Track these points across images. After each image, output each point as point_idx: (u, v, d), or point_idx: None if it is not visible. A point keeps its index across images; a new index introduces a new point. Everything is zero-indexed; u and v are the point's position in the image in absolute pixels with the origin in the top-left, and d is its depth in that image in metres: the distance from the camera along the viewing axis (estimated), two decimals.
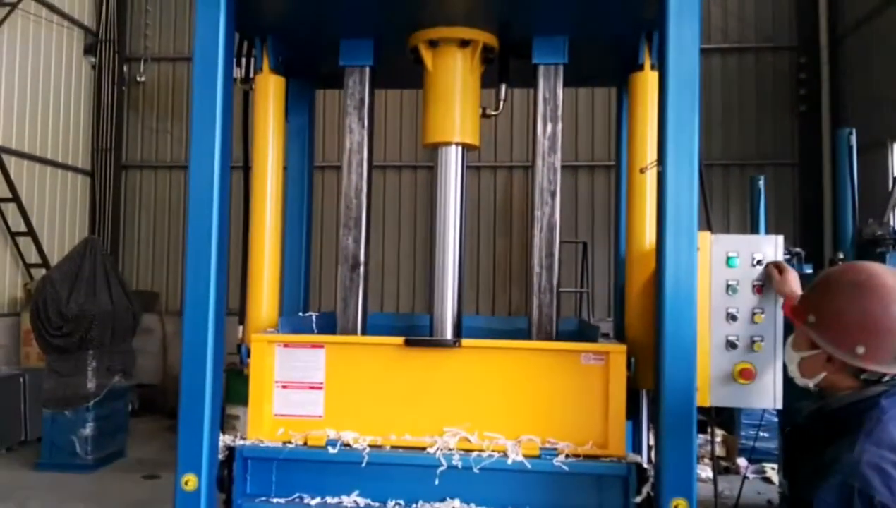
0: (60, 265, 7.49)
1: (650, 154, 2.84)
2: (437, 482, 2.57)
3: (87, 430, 7.31)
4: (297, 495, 2.69)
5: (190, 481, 2.57)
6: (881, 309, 1.75)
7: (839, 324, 1.79)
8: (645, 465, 2.51)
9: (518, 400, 2.65)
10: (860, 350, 1.75)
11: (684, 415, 2.39)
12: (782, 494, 6.40)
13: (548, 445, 2.58)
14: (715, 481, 3.20)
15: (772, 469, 7.21)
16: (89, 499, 6.40)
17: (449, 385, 2.69)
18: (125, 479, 7.11)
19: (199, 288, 2.61)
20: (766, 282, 2.59)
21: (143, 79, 11.25)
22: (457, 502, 2.58)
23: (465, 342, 2.71)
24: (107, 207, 11.07)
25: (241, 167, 3.20)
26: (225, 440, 2.69)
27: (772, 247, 2.65)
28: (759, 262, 2.61)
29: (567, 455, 2.54)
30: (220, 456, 2.65)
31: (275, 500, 2.68)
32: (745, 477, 6.63)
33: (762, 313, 2.59)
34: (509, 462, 2.53)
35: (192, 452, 2.57)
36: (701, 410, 2.47)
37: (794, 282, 2.52)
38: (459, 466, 2.54)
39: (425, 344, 2.75)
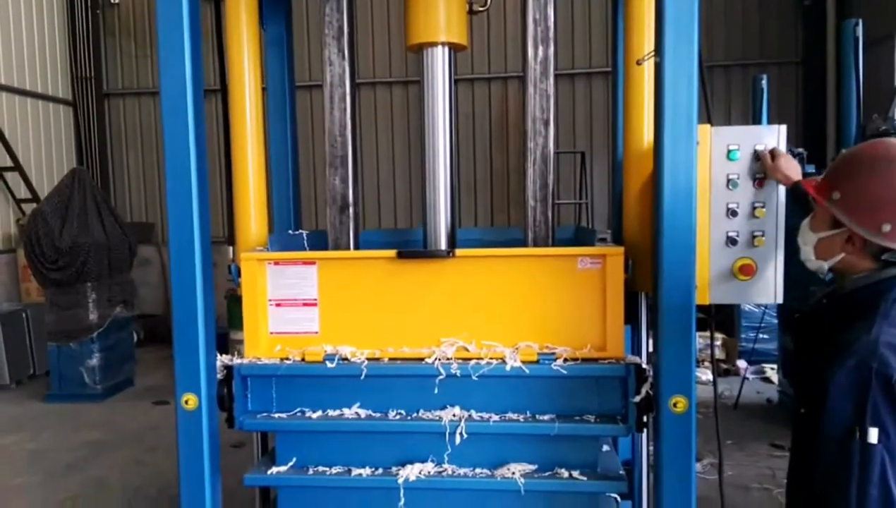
0: (50, 198, 7.39)
1: (647, 47, 2.71)
2: (436, 391, 2.57)
3: (94, 361, 7.39)
4: (298, 410, 2.70)
5: (190, 400, 2.56)
6: None
7: (865, 201, 1.73)
8: (644, 366, 2.50)
9: (515, 307, 2.62)
10: (886, 227, 1.69)
11: (683, 313, 2.35)
12: (781, 393, 6.52)
13: (546, 351, 2.56)
14: (715, 383, 3.20)
15: (771, 370, 7.31)
16: (102, 427, 6.51)
17: (444, 296, 2.65)
18: (135, 406, 7.22)
19: (181, 208, 2.51)
20: (760, 169, 2.51)
21: (116, 0, 10.85)
22: (457, 409, 2.58)
23: (458, 252, 2.65)
24: (92, 138, 10.87)
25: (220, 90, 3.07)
26: (223, 359, 2.68)
27: (774, 137, 2.55)
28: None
29: (565, 360, 2.53)
30: (219, 376, 2.64)
31: (276, 416, 2.69)
32: (744, 378, 6.76)
33: (763, 207, 2.52)
34: (507, 368, 2.51)
35: (190, 372, 2.55)
36: (700, 308, 2.43)
37: (789, 167, 2.44)
38: (458, 375, 2.53)
39: (418, 256, 2.70)
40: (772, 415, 6.23)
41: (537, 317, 2.60)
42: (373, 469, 2.64)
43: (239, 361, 2.67)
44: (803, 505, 1.74)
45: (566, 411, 2.58)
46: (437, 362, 2.55)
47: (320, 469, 2.68)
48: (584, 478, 2.54)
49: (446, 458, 2.61)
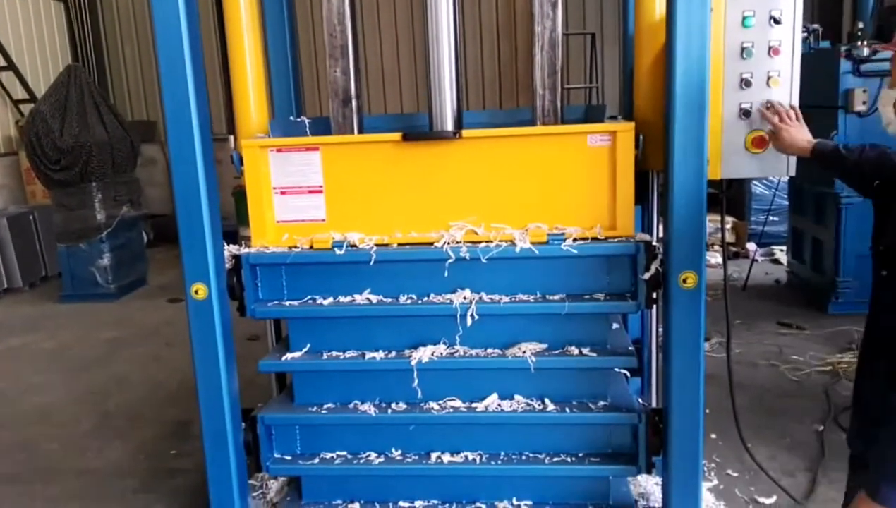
0: (47, 97, 7.23)
1: None
2: (446, 274, 2.57)
3: (105, 261, 7.44)
4: (308, 297, 2.72)
5: (199, 290, 2.58)
6: None
7: None
8: (654, 243, 2.48)
9: (524, 188, 2.58)
10: None
11: (694, 187, 2.31)
12: (790, 273, 6.54)
13: (555, 231, 2.54)
14: (724, 256, 3.19)
15: (780, 251, 7.32)
16: (118, 324, 6.63)
17: (452, 179, 2.61)
18: (150, 304, 7.33)
19: (177, 97, 2.44)
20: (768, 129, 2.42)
21: None
22: (467, 292, 2.59)
23: (465, 133, 2.59)
24: (86, 34, 10.56)
25: None
26: (230, 249, 2.67)
27: (790, 3, 2.42)
28: (775, 21, 2.40)
29: (575, 240, 2.51)
30: (228, 265, 2.65)
31: (287, 303, 2.71)
32: (753, 260, 6.76)
33: (778, 76, 2.42)
34: (517, 250, 2.50)
35: (197, 261, 2.56)
36: (711, 184, 2.38)
37: (797, 136, 2.33)
38: (467, 258, 2.53)
39: (424, 138, 2.63)
40: (780, 296, 6.28)
41: (547, 198, 2.57)
42: (385, 353, 2.69)
43: (247, 250, 2.67)
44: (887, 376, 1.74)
45: (576, 290, 2.59)
46: (446, 246, 2.54)
47: (334, 354, 2.73)
48: (594, 355, 2.57)
49: (458, 340, 2.65)
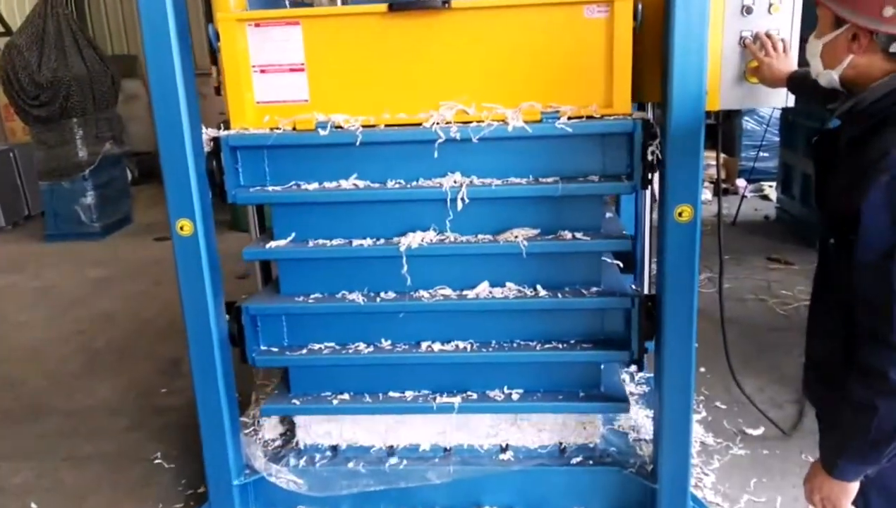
0: (23, 29, 6.98)
1: None
2: (435, 155, 2.47)
3: (89, 199, 7.32)
4: (292, 183, 2.61)
5: (185, 226, 2.51)
6: None
7: None
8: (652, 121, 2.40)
9: (517, 65, 2.46)
10: (888, 11, 1.45)
11: (692, 120, 2.25)
12: (779, 209, 6.54)
13: (549, 109, 2.43)
14: (718, 190, 3.16)
15: (769, 187, 7.30)
16: (104, 263, 6.56)
17: (441, 54, 2.47)
18: (136, 242, 7.26)
19: (157, 29, 2.30)
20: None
21: None
22: (457, 175, 2.51)
23: (455, 3, 2.41)
24: None
25: None
26: (208, 132, 2.55)
27: None
28: None
29: (570, 118, 2.41)
30: (206, 148, 2.52)
31: (270, 189, 2.61)
32: (743, 196, 6.74)
33: (780, 2, 2.33)
34: (509, 129, 2.40)
35: (182, 197, 2.48)
36: (707, 115, 2.32)
37: (781, 64, 2.25)
38: (458, 138, 2.42)
39: (412, 8, 2.44)
40: (769, 231, 6.28)
41: (540, 75, 2.46)
42: (373, 240, 2.61)
43: (226, 133, 2.54)
44: (836, 337, 1.65)
45: (570, 172, 2.51)
46: (435, 126, 2.44)
47: (320, 242, 2.65)
48: (588, 239, 2.53)
49: (448, 225, 2.57)
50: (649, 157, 2.38)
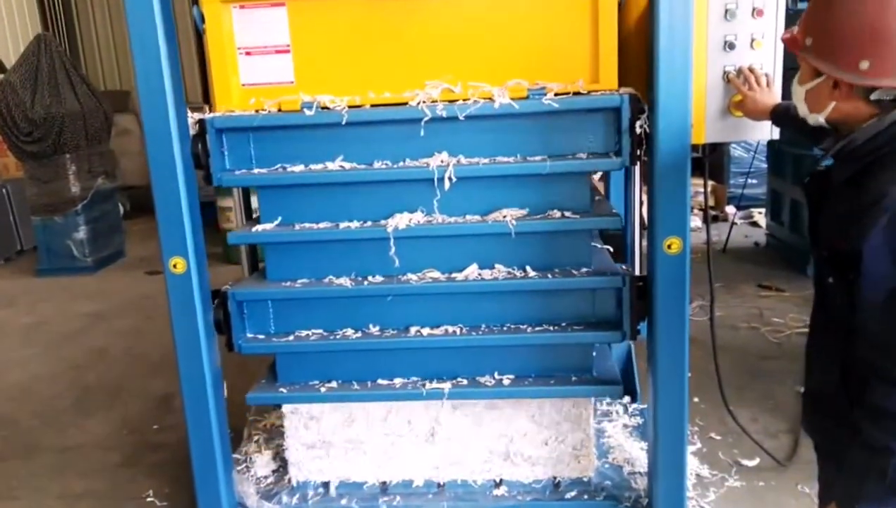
0: (16, 67, 7.03)
1: None
2: (422, 134, 2.47)
3: (81, 233, 7.32)
4: (278, 166, 2.61)
5: (178, 264, 2.53)
6: (880, 15, 1.46)
7: (836, 40, 1.52)
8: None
9: (502, 42, 2.48)
10: (864, 65, 1.48)
11: (678, 156, 2.29)
12: (769, 236, 6.58)
13: (536, 87, 2.44)
14: (707, 221, 3.19)
15: (759, 214, 7.36)
16: (96, 297, 6.54)
17: (426, 33, 2.49)
18: (128, 276, 7.24)
19: (149, 67, 2.35)
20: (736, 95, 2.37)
21: None
22: (444, 154, 2.51)
23: None
24: (56, 1, 10.26)
25: None
26: (193, 115, 2.55)
27: None
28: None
29: (556, 94, 2.43)
30: (191, 132, 2.52)
31: (256, 171, 2.61)
32: (733, 223, 6.79)
33: (762, 38, 2.38)
34: (496, 106, 2.41)
35: (175, 235, 2.51)
36: (693, 148, 2.36)
37: (764, 97, 2.30)
38: (444, 116, 2.42)
39: None
40: (759, 258, 6.32)
41: (526, 52, 2.47)
42: (361, 223, 2.59)
43: (211, 114, 2.54)
44: (835, 371, 1.66)
45: (558, 151, 2.51)
46: (421, 104, 2.44)
47: (307, 225, 2.63)
48: (577, 217, 2.52)
49: (436, 206, 2.56)
50: (637, 131, 2.36)
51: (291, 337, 2.68)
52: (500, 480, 2.82)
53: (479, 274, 2.58)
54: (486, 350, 2.65)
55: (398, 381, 2.69)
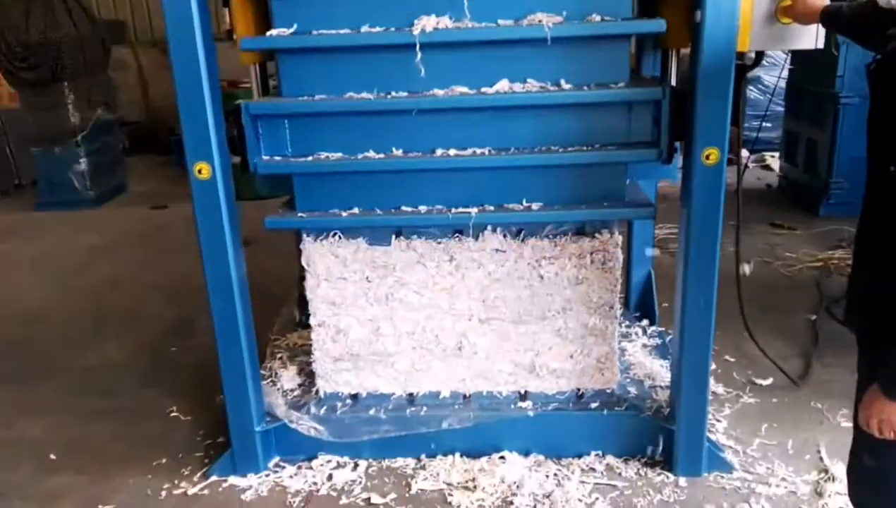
0: None
1: None
2: None
3: (82, 166, 7.20)
4: None
5: (203, 169, 2.48)
6: None
7: None
8: None
9: None
10: None
11: (723, 62, 2.25)
12: (781, 178, 6.58)
13: None
14: (739, 147, 3.17)
15: (771, 158, 7.34)
16: (101, 230, 6.48)
17: None
18: (133, 210, 7.16)
19: None
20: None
21: None
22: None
23: None
24: None
25: None
26: None
27: None
28: None
29: None
30: None
31: None
32: (745, 166, 6.76)
33: None
34: None
35: (200, 139, 2.43)
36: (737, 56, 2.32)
37: (814, 1, 2.24)
38: None
39: None
40: (771, 199, 6.32)
41: None
42: (384, 28, 2.46)
43: None
44: (888, 267, 1.66)
45: None
46: None
47: (324, 32, 2.48)
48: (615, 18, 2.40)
49: (466, 7, 2.40)
50: None
51: (310, 158, 2.56)
52: (525, 392, 2.86)
53: (511, 88, 2.45)
54: (514, 174, 2.55)
55: (423, 208, 2.59)
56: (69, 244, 6.12)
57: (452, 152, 2.50)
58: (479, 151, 2.50)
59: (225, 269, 2.57)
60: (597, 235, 2.67)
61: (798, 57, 5.94)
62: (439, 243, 2.71)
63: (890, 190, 1.62)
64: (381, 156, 2.53)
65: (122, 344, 4.09)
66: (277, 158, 2.59)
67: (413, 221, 2.62)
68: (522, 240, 2.68)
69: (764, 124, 6.99)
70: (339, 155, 2.56)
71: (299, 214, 2.66)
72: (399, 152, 2.53)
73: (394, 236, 2.72)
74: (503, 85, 2.46)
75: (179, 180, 8.16)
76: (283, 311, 3.66)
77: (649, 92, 2.42)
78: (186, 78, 2.38)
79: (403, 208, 2.60)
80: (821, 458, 2.77)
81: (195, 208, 2.54)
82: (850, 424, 2.91)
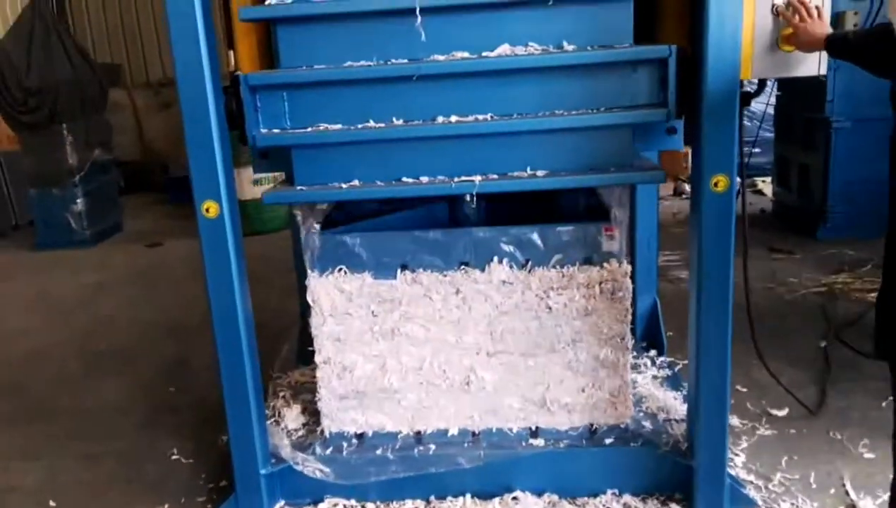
0: (9, 34, 6.89)
1: None
2: None
3: (79, 206, 7.18)
4: None
5: (210, 208, 2.45)
6: None
7: None
8: None
9: None
10: None
11: (727, 91, 2.25)
12: (775, 202, 6.58)
13: None
14: (742, 174, 3.15)
15: (763, 183, 7.37)
16: (98, 269, 6.44)
17: None
18: (128, 249, 7.13)
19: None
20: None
21: None
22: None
23: None
24: None
25: None
26: None
27: None
28: None
29: None
30: None
31: None
32: (739, 191, 6.78)
33: None
34: None
35: (207, 178, 2.42)
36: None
37: (817, 28, 2.22)
38: None
39: None
40: (767, 224, 6.31)
41: None
42: None
43: None
44: None
45: None
46: None
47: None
48: None
49: None
50: None
51: (309, 129, 2.49)
52: (536, 428, 2.79)
53: (513, 51, 2.41)
54: (518, 141, 2.47)
55: (424, 179, 2.51)
56: (66, 283, 6.08)
57: (454, 119, 2.44)
58: (481, 118, 2.44)
59: (231, 307, 2.53)
60: (605, 264, 2.64)
61: (786, 83, 5.98)
62: (445, 275, 2.68)
63: None
64: (382, 125, 2.46)
65: (119, 385, 4.02)
66: (276, 130, 2.51)
67: (413, 191, 2.54)
68: (529, 271, 2.65)
69: (754, 150, 7.03)
70: (339, 126, 2.48)
71: (298, 187, 2.57)
72: (399, 122, 2.47)
73: (399, 269, 2.68)
74: (504, 49, 2.42)
75: (174, 218, 8.22)
76: (283, 348, 3.60)
77: (655, 50, 2.35)
78: (195, 117, 2.36)
79: (405, 179, 2.53)
80: (846, 492, 2.70)
81: (203, 246, 2.50)
82: (872, 455, 2.89)
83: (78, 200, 7.18)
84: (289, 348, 3.58)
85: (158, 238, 7.31)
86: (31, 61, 6.71)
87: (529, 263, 2.65)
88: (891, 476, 2.09)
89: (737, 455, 2.97)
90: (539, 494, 2.71)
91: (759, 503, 2.64)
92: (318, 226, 2.71)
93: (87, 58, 7.27)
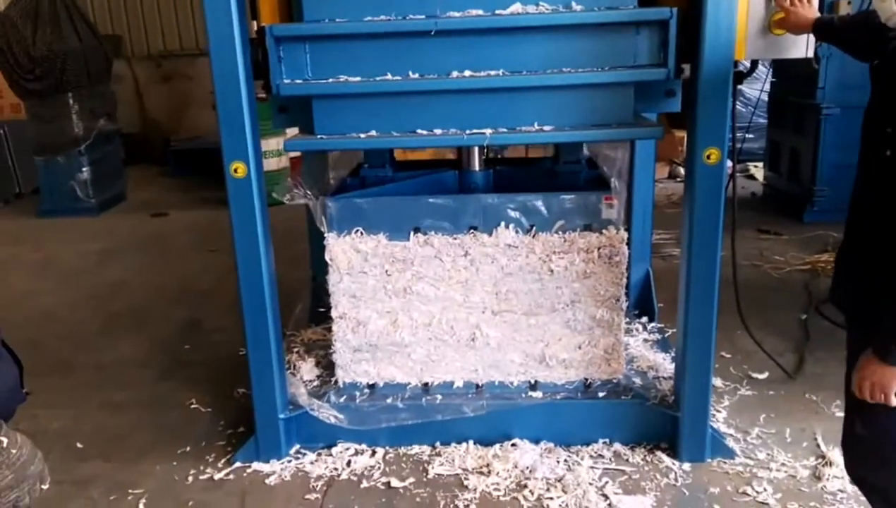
0: (15, 2, 6.96)
1: None
2: None
3: (85, 174, 7.31)
4: None
5: (239, 168, 2.63)
6: None
7: None
8: None
9: None
10: None
11: (721, 68, 2.44)
12: (766, 186, 6.80)
13: None
14: (734, 157, 3.34)
15: (754, 168, 7.57)
16: (104, 236, 6.58)
17: None
18: (134, 218, 7.26)
19: None
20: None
21: None
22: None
23: None
24: None
25: None
26: None
27: None
28: None
29: None
30: None
31: None
32: (731, 175, 6.98)
33: None
34: None
35: (237, 139, 2.60)
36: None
37: (806, 12, 2.40)
38: None
39: None
40: (757, 206, 6.53)
41: None
42: None
43: None
44: (880, 249, 1.76)
45: None
46: None
47: None
48: None
49: None
50: None
51: (329, 80, 2.63)
52: (535, 381, 3.00)
53: (524, 10, 2.58)
54: (526, 97, 2.63)
55: (438, 131, 2.66)
56: (73, 249, 6.22)
57: (467, 73, 2.58)
58: (492, 73, 2.59)
59: (256, 263, 2.72)
60: (603, 231, 2.83)
61: (780, 70, 6.18)
62: (455, 239, 2.87)
63: (883, 172, 1.78)
64: (399, 78, 2.61)
65: (135, 343, 4.20)
66: (298, 81, 2.64)
67: (427, 142, 2.72)
68: (533, 236, 2.84)
69: (747, 135, 7.24)
70: (358, 78, 2.62)
71: (319, 137, 2.72)
72: (416, 76, 2.60)
73: (412, 232, 2.87)
74: (517, 7, 2.59)
75: (177, 189, 8.35)
76: (297, 308, 3.79)
77: (657, 12, 2.51)
78: (225, 82, 2.54)
79: (419, 131, 2.69)
80: (817, 445, 2.92)
81: (231, 206, 2.68)
82: (843, 414, 3.11)
83: (84, 169, 7.30)
84: (302, 307, 3.77)
85: (163, 208, 7.44)
86: (39, 30, 6.80)
87: (534, 228, 2.84)
88: None
89: (719, 412, 3.19)
90: (536, 442, 2.94)
91: (738, 453, 2.87)
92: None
93: (92, 28, 7.36)
